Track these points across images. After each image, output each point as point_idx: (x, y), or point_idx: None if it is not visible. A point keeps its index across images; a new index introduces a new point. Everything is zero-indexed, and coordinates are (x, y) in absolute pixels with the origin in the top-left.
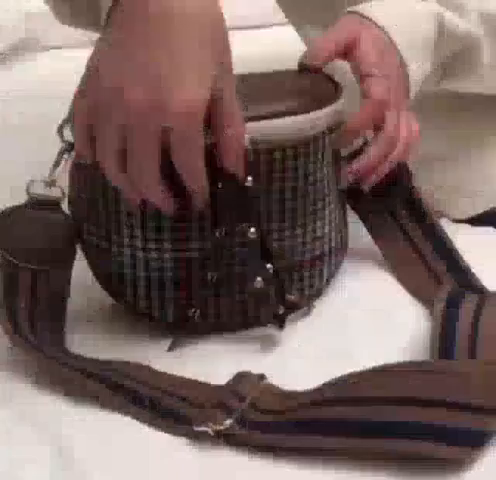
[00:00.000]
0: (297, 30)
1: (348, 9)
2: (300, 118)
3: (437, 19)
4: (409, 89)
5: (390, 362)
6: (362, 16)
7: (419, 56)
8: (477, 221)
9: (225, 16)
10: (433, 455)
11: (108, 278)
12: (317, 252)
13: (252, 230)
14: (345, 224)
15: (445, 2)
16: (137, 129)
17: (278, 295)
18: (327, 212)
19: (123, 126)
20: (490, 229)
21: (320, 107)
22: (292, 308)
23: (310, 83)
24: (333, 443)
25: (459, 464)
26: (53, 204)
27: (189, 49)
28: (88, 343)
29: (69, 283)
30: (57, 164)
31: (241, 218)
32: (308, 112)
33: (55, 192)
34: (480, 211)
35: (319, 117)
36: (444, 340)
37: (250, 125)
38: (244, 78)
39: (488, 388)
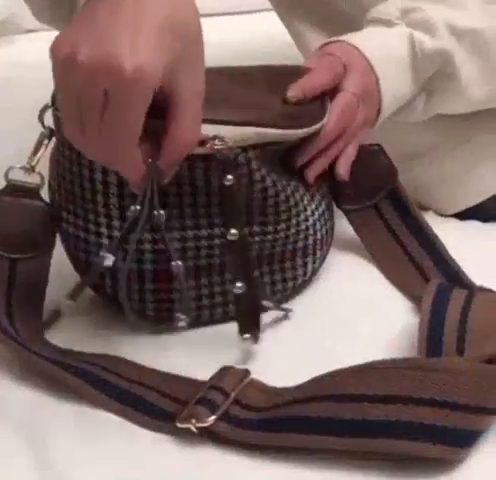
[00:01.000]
0: (286, 25)
1: (326, 41)
2: (278, 132)
3: (408, 40)
4: (378, 112)
5: (377, 358)
6: (342, 42)
7: (393, 72)
8: (462, 215)
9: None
10: (422, 455)
11: (87, 269)
12: (300, 244)
13: (233, 231)
14: (331, 217)
15: (414, 23)
16: (85, 89)
17: (255, 302)
18: (312, 205)
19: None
20: (476, 223)
21: (297, 127)
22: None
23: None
24: (318, 442)
25: (449, 464)
26: (32, 191)
27: (152, 24)
28: (67, 335)
29: (48, 272)
30: (37, 150)
31: (223, 219)
32: (285, 128)
33: (34, 179)
34: (465, 207)
35: (298, 134)
36: (432, 336)
37: (226, 128)
38: (222, 70)
39: (477, 386)
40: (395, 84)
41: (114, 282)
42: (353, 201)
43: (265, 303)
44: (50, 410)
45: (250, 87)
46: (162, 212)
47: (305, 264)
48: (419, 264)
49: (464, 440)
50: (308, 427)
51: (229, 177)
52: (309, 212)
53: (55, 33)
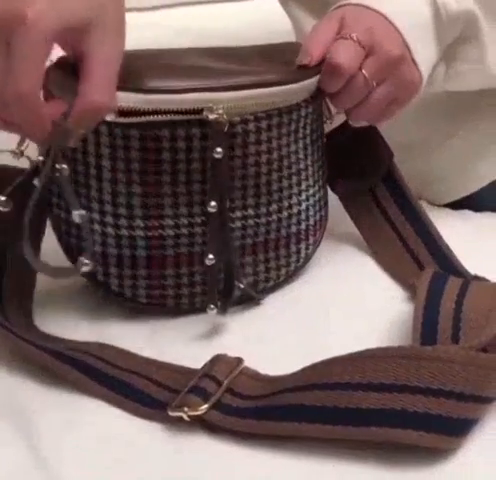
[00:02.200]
0: (283, 6)
1: (339, 3)
2: (274, 90)
3: (432, 1)
4: (420, 74)
5: (371, 346)
6: (356, 5)
7: (422, 39)
8: (456, 204)
9: None
10: (417, 443)
11: (79, 255)
12: (293, 229)
13: (212, 203)
14: (325, 202)
15: None
16: None
17: (228, 278)
18: (304, 188)
19: None
20: (469, 212)
21: (296, 81)
22: (242, 297)
23: (291, 56)
24: (312, 430)
25: (443, 452)
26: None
27: None
28: (57, 322)
29: (38, 257)
30: None
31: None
32: (282, 85)
33: (23, 163)
34: (456, 198)
35: (294, 90)
36: (426, 324)
37: (221, 94)
38: (217, 50)
39: (472, 375)
40: (423, 49)
41: (105, 268)
42: (348, 184)
43: (237, 283)
44: (38, 397)
45: (246, 60)
46: (65, 166)
47: (298, 250)
48: (414, 252)
49: (459, 429)
50: (302, 415)
51: (218, 150)
52: (303, 197)
53: None
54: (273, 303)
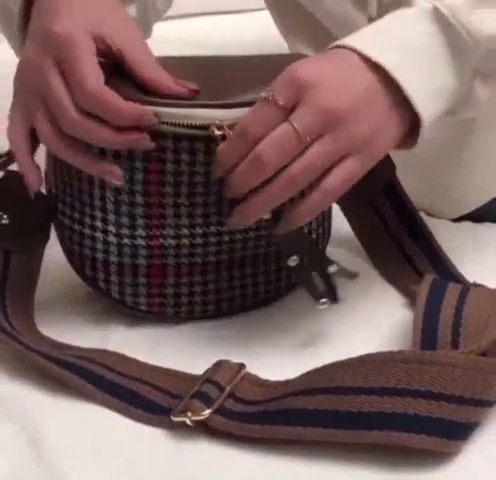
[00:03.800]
0: (285, 40)
1: (336, 43)
2: None
3: (439, 25)
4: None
5: (371, 351)
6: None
7: (414, 70)
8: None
9: None
10: (418, 447)
11: (81, 262)
12: None
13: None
14: (329, 215)
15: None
16: (40, 68)
17: (319, 266)
18: None
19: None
20: (467, 223)
21: None
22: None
23: None
24: (314, 434)
25: (445, 455)
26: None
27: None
28: (60, 329)
29: (40, 263)
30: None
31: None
32: None
33: None
34: (456, 216)
35: None
36: (427, 329)
37: (228, 111)
38: (223, 62)
39: (472, 379)
40: (426, 84)
41: (106, 275)
42: (349, 195)
43: (330, 268)
44: (44, 405)
45: (251, 72)
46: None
47: None
48: (414, 261)
49: (460, 432)
50: (304, 420)
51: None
52: None
53: None
54: (274, 310)
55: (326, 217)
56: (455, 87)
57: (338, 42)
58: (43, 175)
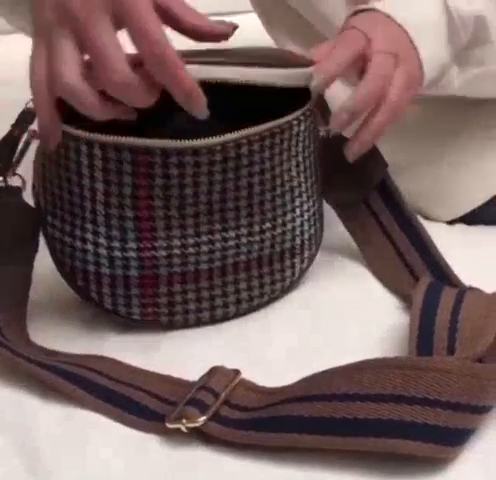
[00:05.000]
0: (268, 33)
1: (353, 10)
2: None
3: (443, 5)
4: (422, 75)
5: (366, 357)
6: (368, 10)
7: (430, 40)
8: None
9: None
10: (414, 453)
11: (72, 274)
12: (287, 245)
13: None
14: (320, 216)
15: None
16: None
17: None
18: (298, 204)
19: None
20: (461, 225)
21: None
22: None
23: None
24: (310, 442)
25: (441, 462)
26: (13, 193)
27: None
28: (52, 336)
29: (30, 274)
30: (19, 152)
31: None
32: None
33: (15, 181)
34: (450, 218)
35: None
36: (422, 335)
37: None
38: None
39: (468, 385)
40: (432, 52)
41: (99, 287)
42: (342, 195)
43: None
44: (37, 412)
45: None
46: None
47: (293, 265)
48: (408, 262)
49: (456, 439)
50: (300, 427)
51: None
52: (297, 213)
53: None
54: (269, 316)
55: (317, 218)
56: (444, 61)
57: (369, 6)
58: (30, 187)
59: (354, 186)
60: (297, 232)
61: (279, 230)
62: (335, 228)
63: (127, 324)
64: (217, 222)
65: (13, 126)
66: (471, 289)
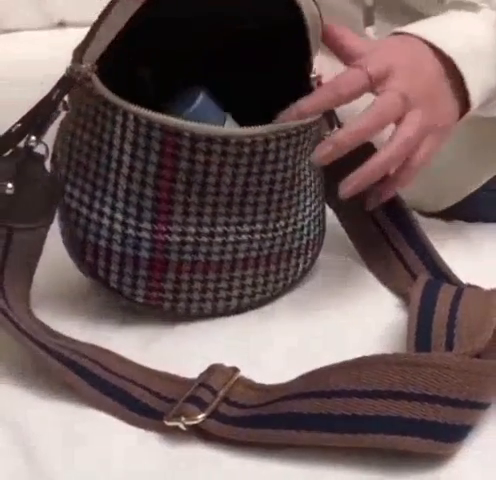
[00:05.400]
0: None
1: (403, 30)
2: None
3: (493, 23)
4: (468, 103)
5: (365, 352)
6: (400, 34)
7: (478, 65)
8: (448, 214)
9: None
10: (413, 450)
11: (83, 248)
12: (295, 244)
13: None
14: (324, 216)
15: None
16: None
17: None
18: (308, 203)
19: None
20: (460, 223)
21: None
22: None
23: None
24: (309, 438)
25: (439, 458)
26: (37, 161)
27: None
28: (55, 320)
29: (42, 245)
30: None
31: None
32: None
33: (39, 149)
34: (445, 206)
35: None
36: (420, 331)
37: None
38: None
39: (467, 381)
40: (480, 78)
41: (107, 264)
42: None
43: None
44: (36, 407)
45: None
46: None
47: (297, 264)
48: (407, 262)
49: (455, 434)
50: (299, 424)
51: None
52: (307, 212)
53: (35, 33)
54: (269, 313)
55: (321, 219)
56: (494, 83)
57: (405, 29)
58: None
59: None
60: (305, 231)
61: (290, 229)
62: (333, 229)
63: (127, 312)
64: (235, 215)
65: (52, 90)
66: (469, 286)
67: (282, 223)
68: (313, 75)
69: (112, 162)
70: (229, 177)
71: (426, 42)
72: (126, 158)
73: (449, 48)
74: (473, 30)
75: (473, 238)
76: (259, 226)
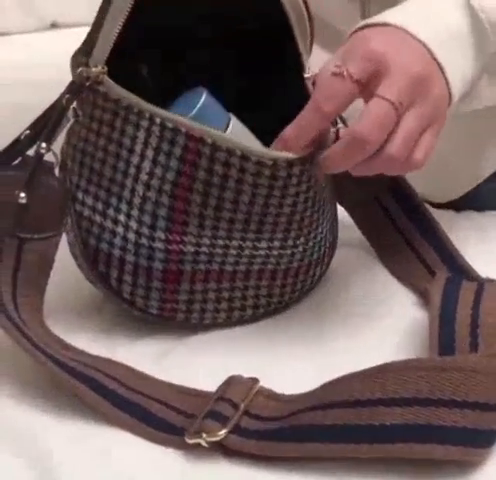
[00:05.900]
0: None
1: (362, 23)
2: None
3: (467, 8)
4: (449, 90)
5: (386, 356)
6: (373, 25)
7: (454, 50)
8: (458, 205)
9: None
10: (443, 458)
11: (95, 257)
12: (315, 256)
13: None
14: (336, 219)
15: None
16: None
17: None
18: (326, 215)
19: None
20: (472, 213)
21: None
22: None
23: None
24: (335, 450)
25: (470, 465)
26: (47, 169)
27: None
28: (67, 332)
29: (54, 254)
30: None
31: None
32: None
33: (48, 157)
34: (459, 195)
35: None
36: (443, 332)
37: None
38: None
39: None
40: (460, 66)
41: (120, 274)
42: (354, 194)
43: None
44: (54, 428)
45: None
46: None
47: (314, 274)
48: (423, 256)
49: (485, 440)
50: (323, 435)
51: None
52: (324, 223)
53: (29, 36)
54: (284, 320)
55: (334, 224)
56: (472, 73)
57: (380, 18)
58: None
59: (365, 185)
60: (323, 242)
61: (311, 243)
62: (347, 228)
63: (138, 329)
64: (252, 232)
65: (61, 96)
66: (489, 281)
67: (302, 240)
68: (307, 75)
69: (130, 168)
70: (248, 196)
71: (407, 32)
72: (146, 164)
73: (424, 36)
74: (447, 12)
75: (485, 227)
76: (277, 243)
